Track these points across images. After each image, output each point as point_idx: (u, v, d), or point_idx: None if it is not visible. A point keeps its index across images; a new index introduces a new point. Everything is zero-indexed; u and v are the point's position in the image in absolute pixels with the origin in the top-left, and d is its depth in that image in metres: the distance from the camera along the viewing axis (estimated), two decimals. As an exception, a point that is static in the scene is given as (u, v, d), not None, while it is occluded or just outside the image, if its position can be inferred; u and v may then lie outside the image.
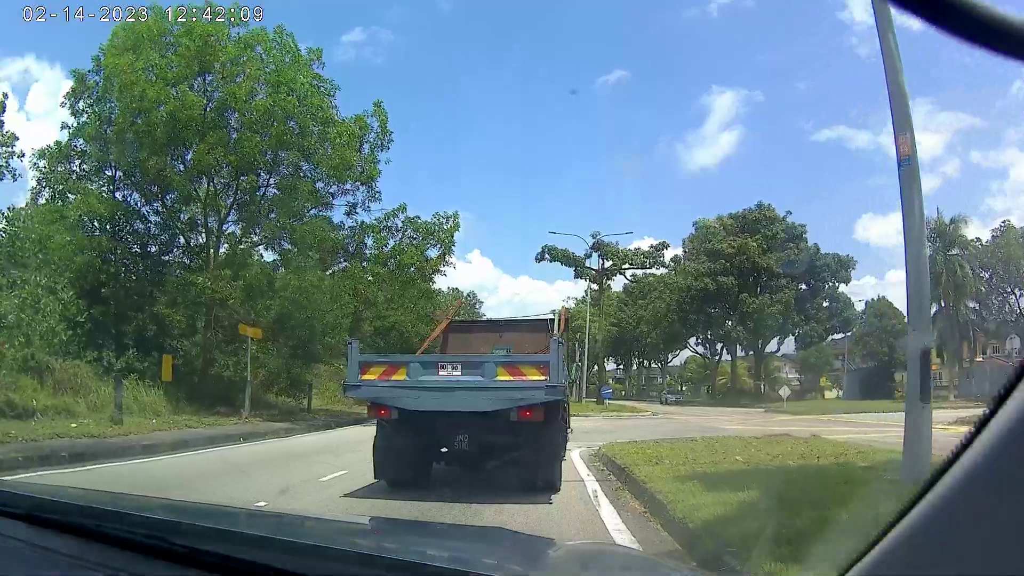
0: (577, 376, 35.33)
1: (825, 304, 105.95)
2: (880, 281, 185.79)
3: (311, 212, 47.06)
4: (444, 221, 51.72)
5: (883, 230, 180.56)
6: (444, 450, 16.64)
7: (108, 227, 42.76)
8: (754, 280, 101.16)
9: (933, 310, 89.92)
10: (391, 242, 53.64)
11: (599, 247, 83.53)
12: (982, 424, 1.74)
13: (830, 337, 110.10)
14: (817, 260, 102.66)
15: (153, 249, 46.18)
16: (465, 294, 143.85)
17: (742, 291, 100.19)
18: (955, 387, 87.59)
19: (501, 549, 3.96)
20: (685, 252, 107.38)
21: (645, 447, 22.72)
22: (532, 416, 14.82)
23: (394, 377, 15.44)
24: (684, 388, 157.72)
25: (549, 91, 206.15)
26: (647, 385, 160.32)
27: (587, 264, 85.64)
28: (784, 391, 78.89)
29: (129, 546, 3.22)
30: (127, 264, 43.48)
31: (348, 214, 50.55)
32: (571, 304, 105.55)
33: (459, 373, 15.24)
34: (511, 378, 14.88)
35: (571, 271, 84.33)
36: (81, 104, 43.26)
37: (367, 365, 15.93)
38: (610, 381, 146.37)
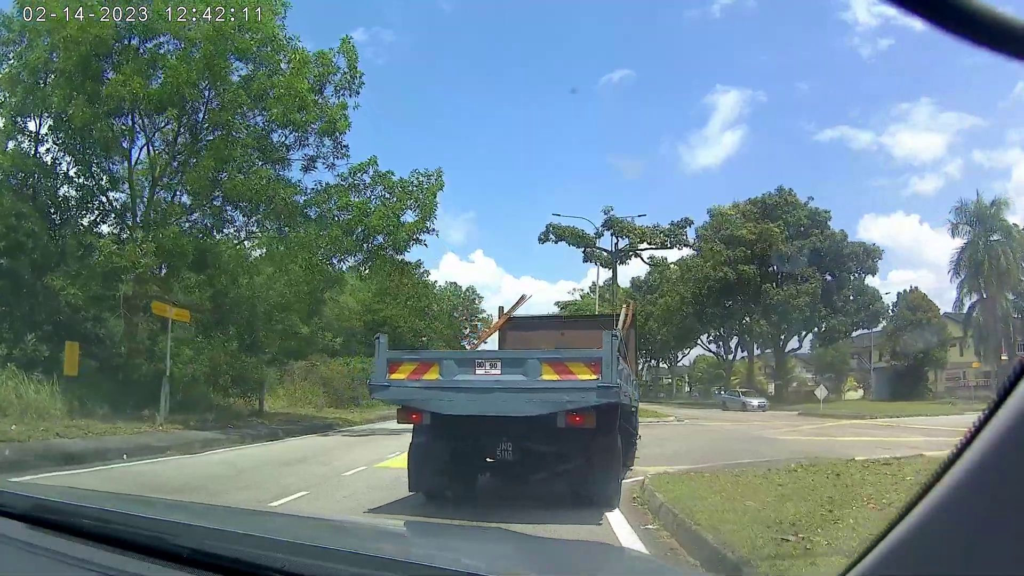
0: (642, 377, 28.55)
1: (851, 297, 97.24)
2: (884, 281, 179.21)
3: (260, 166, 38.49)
4: (425, 179, 41.60)
5: (885, 230, 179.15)
6: (488, 460, 15.31)
7: (26, 187, 35.59)
8: (776, 269, 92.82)
9: (970, 301, 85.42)
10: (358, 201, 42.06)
11: (612, 224, 73.81)
12: (983, 423, 1.75)
13: (855, 332, 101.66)
14: (843, 248, 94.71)
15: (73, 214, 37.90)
16: (464, 289, 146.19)
17: (765, 281, 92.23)
18: (996, 387, 78.11)
19: (501, 549, 4.01)
20: (698, 244, 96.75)
21: (723, 484, 15.09)
22: (582, 422, 13.32)
23: (425, 376, 14.05)
24: (693, 388, 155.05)
25: (552, 92, 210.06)
26: (654, 386, 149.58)
27: (598, 245, 75.66)
28: (821, 391, 70.37)
29: (130, 547, 3.21)
30: (35, 233, 34.14)
31: (306, 169, 40.97)
32: (577, 297, 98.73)
33: (499, 372, 13.71)
34: (558, 377, 13.29)
35: (579, 257, 75.16)
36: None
37: (395, 363, 14.41)
38: None
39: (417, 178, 40.34)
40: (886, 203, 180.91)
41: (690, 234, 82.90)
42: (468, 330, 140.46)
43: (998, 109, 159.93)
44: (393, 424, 19.41)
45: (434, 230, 41.08)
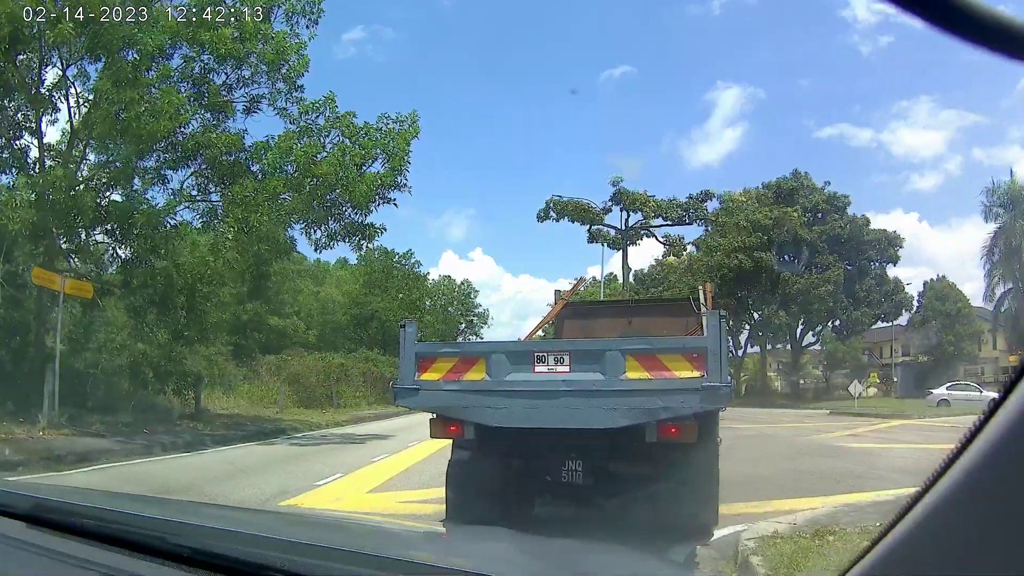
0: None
1: (874, 286, 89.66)
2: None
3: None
4: (396, 124, 33.42)
5: (884, 228, 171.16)
6: (550, 480, 11.73)
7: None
8: (794, 256, 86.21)
9: (1001, 290, 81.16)
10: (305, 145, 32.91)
11: (621, 197, 65.06)
12: (983, 423, 1.76)
13: (874, 326, 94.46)
14: (865, 235, 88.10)
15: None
16: (459, 283, 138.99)
17: (783, 269, 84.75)
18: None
19: (502, 549, 3.89)
20: (708, 232, 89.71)
21: None
22: (679, 434, 10.17)
23: (467, 376, 11.01)
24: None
25: (553, 88, 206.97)
26: None
27: (606, 222, 67.14)
28: (856, 388, 63.52)
29: (131, 547, 3.24)
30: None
31: (248, 111, 32.88)
32: (580, 288, 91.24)
33: (567, 369, 10.57)
34: (649, 375, 10.14)
35: (582, 246, 66.51)
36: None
37: (428, 358, 11.37)
38: None
39: (386, 123, 32.44)
40: (885, 201, 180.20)
41: (710, 208, 73.95)
42: (464, 325, 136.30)
43: (999, 107, 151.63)
44: (364, 429, 18.52)
45: (407, 186, 33.33)
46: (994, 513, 1.68)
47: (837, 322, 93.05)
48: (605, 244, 66.91)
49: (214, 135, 31.18)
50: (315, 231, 34.03)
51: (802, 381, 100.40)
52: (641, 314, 17.56)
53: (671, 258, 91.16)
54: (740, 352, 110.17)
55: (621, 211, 65.09)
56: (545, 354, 11.04)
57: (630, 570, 3.73)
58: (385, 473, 21.83)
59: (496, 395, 10.82)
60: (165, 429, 29.06)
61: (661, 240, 69.20)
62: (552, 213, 64.48)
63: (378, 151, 32.19)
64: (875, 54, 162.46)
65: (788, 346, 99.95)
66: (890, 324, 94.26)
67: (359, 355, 77.96)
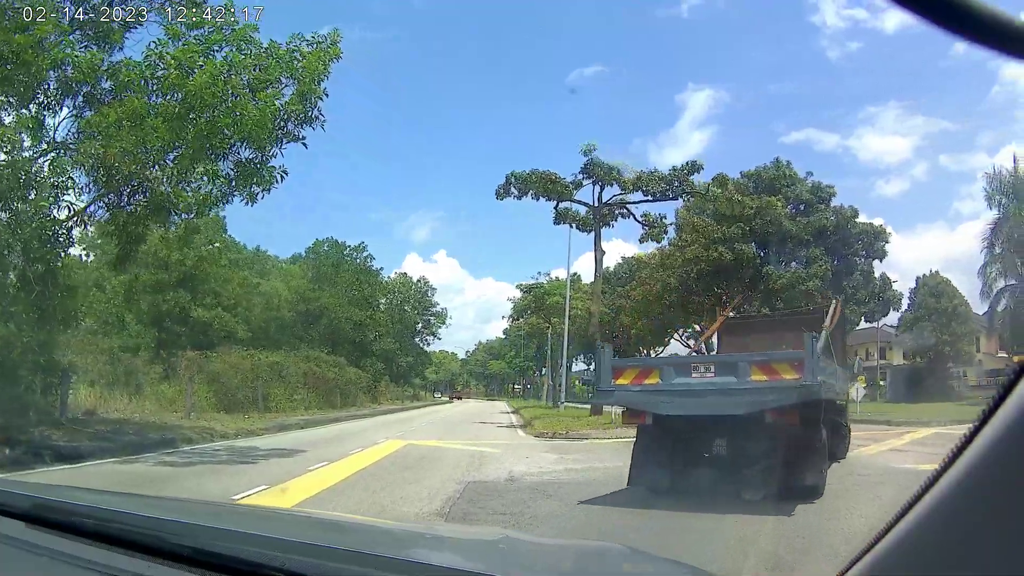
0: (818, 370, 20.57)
1: (862, 283, 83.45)
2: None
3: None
4: (309, 44, 25.80)
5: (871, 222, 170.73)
6: (706, 455, 16.30)
7: None
8: (778, 249, 79.94)
9: (1001, 284, 76.40)
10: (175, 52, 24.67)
11: (594, 169, 54.87)
12: (982, 423, 1.82)
13: (859, 325, 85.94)
14: (852, 228, 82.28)
15: None
16: (416, 281, 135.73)
17: (766, 262, 78.64)
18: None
19: (501, 549, 4.03)
20: (680, 225, 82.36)
21: None
22: (787, 418, 14.46)
23: (647, 381, 15.82)
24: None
25: (521, 90, 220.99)
26: None
27: (575, 198, 57.52)
28: (857, 391, 56.61)
29: (131, 546, 3.27)
30: None
31: (128, 27, 25.60)
32: (543, 280, 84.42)
33: (713, 374, 15.26)
34: (766, 378, 14.63)
35: (546, 246, 57.99)
36: None
37: (619, 369, 16.41)
38: (577, 383, 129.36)
39: (298, 43, 24.92)
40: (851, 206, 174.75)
41: (697, 181, 63.60)
42: (420, 325, 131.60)
43: (969, 113, 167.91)
44: (275, 442, 24.61)
45: (320, 119, 25.67)
46: (993, 512, 1.73)
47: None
48: (574, 225, 57.76)
49: (71, 52, 24.06)
50: (191, 171, 25.94)
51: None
52: (783, 327, 21.45)
53: (640, 252, 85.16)
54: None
55: (593, 185, 55.72)
56: (699, 364, 16.21)
57: (629, 570, 3.86)
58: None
59: (667, 394, 15.24)
60: (4, 438, 22.98)
61: (639, 220, 58.68)
62: (513, 189, 54.38)
63: (285, 77, 24.69)
64: (844, 59, 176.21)
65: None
66: (875, 324, 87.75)
67: (300, 354, 71.26)
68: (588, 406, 57.58)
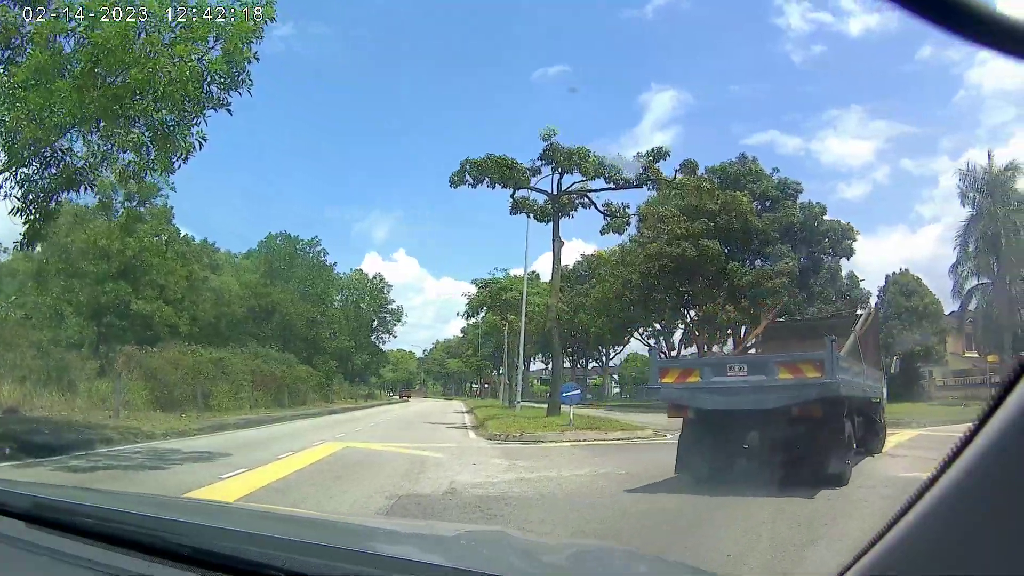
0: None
1: (828, 282, 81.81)
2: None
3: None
4: (241, 3, 23.15)
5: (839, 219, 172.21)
6: (744, 447, 17.77)
7: None
8: (744, 245, 78.11)
9: (972, 284, 76.35)
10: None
11: (554, 154, 50.29)
12: (982, 422, 1.83)
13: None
14: (820, 225, 79.93)
15: None
16: (372, 278, 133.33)
17: (731, 258, 76.55)
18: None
19: (501, 550, 4.00)
20: (641, 222, 77.38)
21: None
22: (811, 413, 16.04)
23: (689, 380, 17.77)
24: (623, 390, 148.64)
25: (484, 89, 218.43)
26: (582, 387, 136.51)
27: (533, 186, 53.08)
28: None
29: (131, 546, 3.28)
30: None
31: None
32: (499, 275, 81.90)
33: (746, 373, 16.87)
34: (792, 376, 16.24)
35: (509, 210, 52.50)
36: None
37: (665, 369, 18.89)
38: (535, 383, 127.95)
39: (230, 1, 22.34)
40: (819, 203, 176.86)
41: (667, 171, 59.66)
42: (376, 323, 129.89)
43: (933, 117, 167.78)
44: (202, 444, 24.43)
45: (247, 82, 22.88)
46: (994, 512, 1.73)
47: (790, 318, 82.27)
48: (531, 215, 53.29)
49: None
50: (105, 137, 23.30)
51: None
52: (815, 332, 21.17)
53: (601, 250, 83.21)
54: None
55: (553, 172, 51.95)
56: (734, 364, 17.83)
57: (629, 571, 3.80)
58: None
59: (706, 390, 17.09)
60: None
61: (601, 209, 53.75)
62: (468, 176, 49.79)
63: (213, 39, 22.10)
64: (807, 63, 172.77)
65: (724, 347, 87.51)
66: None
67: (247, 350, 68.78)
68: (546, 406, 54.14)
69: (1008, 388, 1.75)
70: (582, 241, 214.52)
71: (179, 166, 23.75)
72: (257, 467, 21.30)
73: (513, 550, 3.96)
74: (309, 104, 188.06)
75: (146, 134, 22.95)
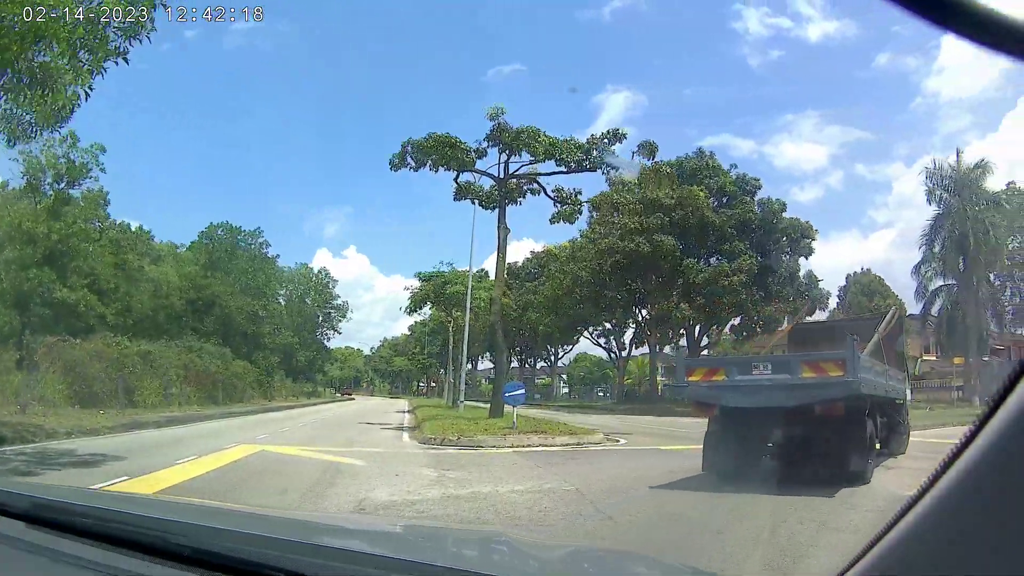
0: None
1: (787, 281, 79.93)
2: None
3: None
4: None
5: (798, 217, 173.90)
6: (769, 444, 18.06)
7: None
8: (700, 242, 76.43)
9: (937, 284, 75.44)
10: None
11: (501, 135, 44.33)
12: (982, 423, 1.83)
13: (782, 326, 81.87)
14: (778, 223, 77.95)
15: None
16: (316, 272, 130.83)
17: (686, 255, 74.64)
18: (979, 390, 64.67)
19: (501, 551, 4.13)
20: (593, 217, 79.09)
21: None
22: (833, 411, 16.13)
23: (715, 378, 17.70)
24: (572, 390, 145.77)
25: (438, 85, 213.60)
26: (528, 387, 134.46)
27: (477, 168, 47.04)
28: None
29: (131, 546, 3.27)
30: None
31: None
32: (444, 268, 78.88)
33: (770, 372, 16.95)
34: (815, 375, 16.17)
35: (452, 191, 46.70)
36: None
37: (691, 368, 19.04)
38: (483, 382, 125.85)
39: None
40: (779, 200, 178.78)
41: (624, 154, 51.33)
42: (320, 318, 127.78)
43: (888, 124, 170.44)
44: (100, 445, 22.94)
45: (150, 28, 19.96)
46: (993, 513, 1.74)
47: (737, 320, 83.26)
48: (477, 202, 47.88)
49: None
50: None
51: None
52: (840, 333, 20.29)
53: (551, 245, 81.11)
54: (624, 353, 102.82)
55: (500, 153, 45.95)
56: (758, 363, 17.82)
57: (629, 572, 3.79)
58: None
59: (731, 389, 16.97)
60: None
61: (551, 195, 47.63)
62: (409, 158, 44.21)
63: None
64: (764, 67, 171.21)
65: (677, 347, 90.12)
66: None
67: (181, 344, 65.85)
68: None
69: (1008, 388, 1.74)
70: (532, 240, 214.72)
71: (63, 121, 21.12)
72: (144, 475, 18.15)
73: (512, 551, 4.09)
74: (262, 98, 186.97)
75: (24, 79, 20.09)
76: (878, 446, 18.81)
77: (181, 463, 20.72)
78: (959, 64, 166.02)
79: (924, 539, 1.91)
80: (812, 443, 16.53)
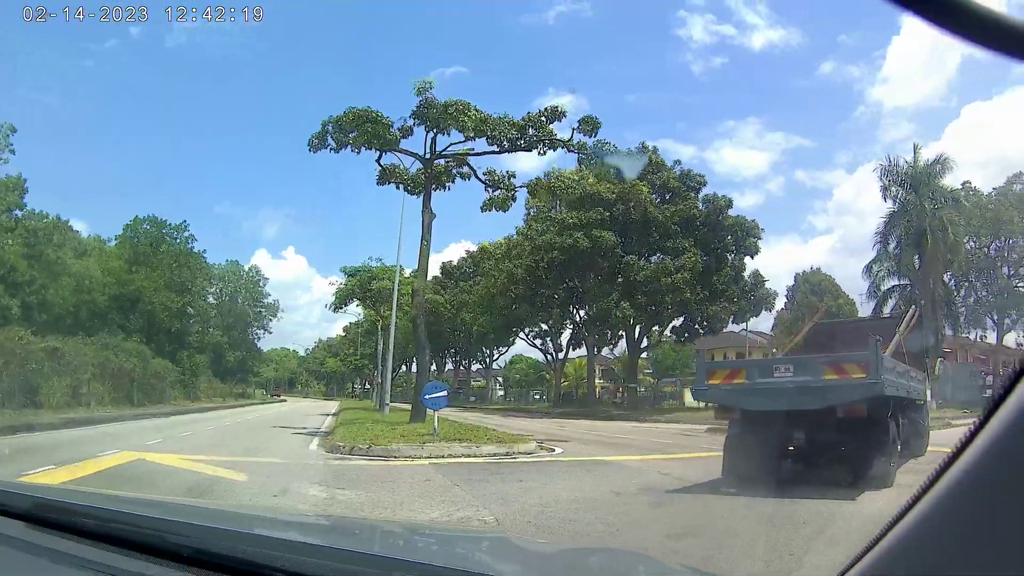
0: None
1: (731, 280, 76.33)
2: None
3: None
4: None
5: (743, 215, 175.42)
6: (791, 448, 17.42)
7: None
8: (640, 239, 73.68)
9: (890, 284, 73.58)
10: None
11: (428, 111, 39.38)
12: (982, 423, 1.85)
13: (727, 327, 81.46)
14: (724, 220, 75.04)
15: None
16: (247, 269, 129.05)
17: (628, 252, 72.08)
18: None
19: (501, 552, 4.12)
20: (529, 204, 76.67)
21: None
22: (856, 413, 15.99)
23: (735, 381, 17.54)
24: (508, 393, 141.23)
25: (380, 86, 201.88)
26: (463, 389, 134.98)
27: (402, 148, 41.26)
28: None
29: (131, 546, 3.28)
30: None
31: None
32: (373, 264, 75.68)
33: (791, 374, 16.64)
34: (837, 377, 16.02)
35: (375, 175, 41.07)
36: None
37: (712, 371, 18.65)
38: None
39: None
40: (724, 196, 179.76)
41: (562, 131, 45.35)
42: (251, 317, 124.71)
43: (830, 131, 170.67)
44: None
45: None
46: (993, 512, 1.76)
47: (679, 321, 79.71)
48: (402, 187, 41.58)
49: None
50: None
51: (642, 389, 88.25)
52: (860, 334, 19.94)
53: (485, 242, 79.24)
54: (561, 355, 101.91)
55: (426, 132, 41.05)
56: (779, 365, 17.62)
57: (628, 572, 3.79)
58: None
59: (752, 391, 16.80)
60: None
61: (482, 178, 41.73)
62: (330, 139, 39.63)
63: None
64: (707, 74, 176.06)
65: (614, 349, 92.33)
66: (742, 327, 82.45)
67: (96, 340, 62.93)
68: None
69: (1008, 388, 1.76)
70: (469, 242, 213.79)
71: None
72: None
73: (512, 551, 4.17)
74: (198, 98, 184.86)
75: None
76: (899, 447, 18.29)
77: (32, 474, 17.28)
78: (905, 74, 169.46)
79: (924, 539, 1.91)
80: (834, 446, 16.35)
